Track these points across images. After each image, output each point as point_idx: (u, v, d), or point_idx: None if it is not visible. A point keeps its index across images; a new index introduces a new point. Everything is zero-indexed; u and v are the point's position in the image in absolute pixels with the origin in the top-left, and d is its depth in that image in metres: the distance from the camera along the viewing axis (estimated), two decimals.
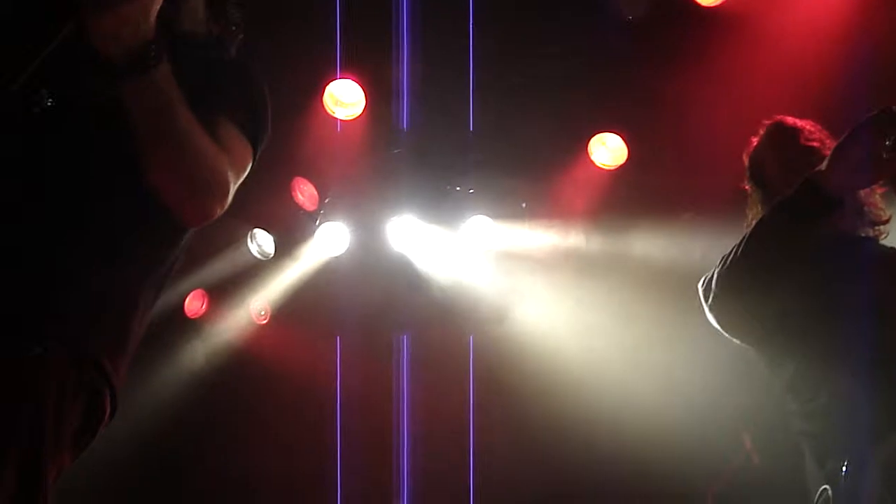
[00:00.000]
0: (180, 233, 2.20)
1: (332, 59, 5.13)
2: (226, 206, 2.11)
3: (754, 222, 2.79)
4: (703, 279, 2.80)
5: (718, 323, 2.80)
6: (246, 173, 2.20)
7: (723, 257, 2.75)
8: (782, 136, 3.00)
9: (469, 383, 5.55)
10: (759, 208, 2.99)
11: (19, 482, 1.91)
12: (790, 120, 3.03)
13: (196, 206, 2.08)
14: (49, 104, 2.06)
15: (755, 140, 3.08)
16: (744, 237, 2.72)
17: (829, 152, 2.65)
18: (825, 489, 2.59)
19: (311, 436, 5.58)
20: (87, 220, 2.06)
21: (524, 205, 5.36)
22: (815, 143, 2.92)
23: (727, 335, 2.85)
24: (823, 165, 2.61)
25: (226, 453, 5.58)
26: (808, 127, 2.99)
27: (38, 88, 2.04)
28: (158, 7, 1.94)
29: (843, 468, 2.56)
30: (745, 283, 2.69)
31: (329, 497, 5.33)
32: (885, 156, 2.54)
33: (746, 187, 3.06)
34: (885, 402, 2.62)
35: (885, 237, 2.96)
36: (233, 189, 2.12)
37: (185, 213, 2.08)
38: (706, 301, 2.76)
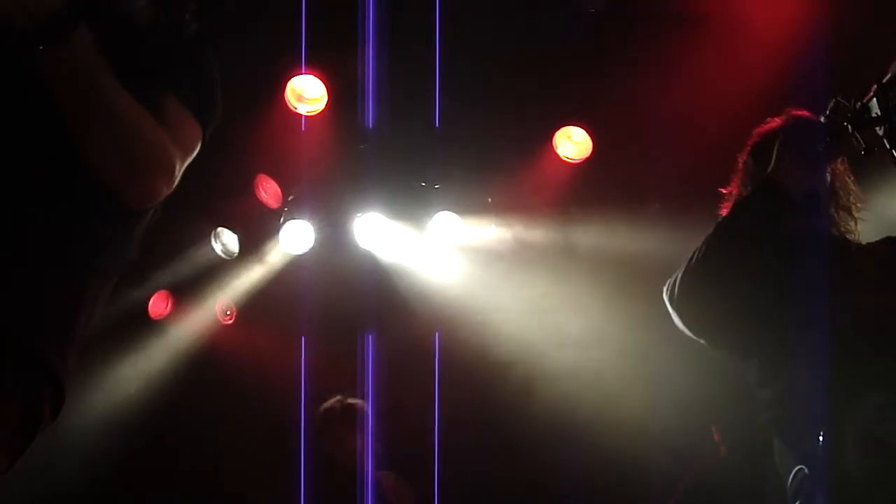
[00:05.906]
0: (129, 218, 2.09)
1: (296, 54, 5.07)
2: (172, 187, 2.02)
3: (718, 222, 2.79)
4: (668, 282, 2.80)
5: (683, 325, 2.80)
6: (194, 153, 2.11)
7: (687, 259, 2.75)
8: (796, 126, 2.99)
9: (434, 381, 5.51)
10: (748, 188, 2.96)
11: None
12: (807, 114, 3.02)
13: (136, 185, 1.98)
14: None
15: (772, 122, 3.05)
16: (705, 239, 2.72)
17: None
18: (800, 469, 2.60)
19: (275, 435, 5.53)
20: (19, 204, 1.94)
21: (490, 200, 5.34)
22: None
23: (692, 336, 2.85)
24: (773, 164, 2.66)
25: (189, 452, 5.52)
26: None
27: None
28: None
29: (820, 439, 2.56)
30: (703, 290, 2.70)
31: (293, 495, 5.29)
32: (819, 148, 2.63)
33: (741, 160, 3.03)
34: (846, 376, 2.62)
35: (858, 231, 2.95)
36: (179, 168, 2.03)
37: (124, 191, 1.98)
38: (670, 304, 2.77)
